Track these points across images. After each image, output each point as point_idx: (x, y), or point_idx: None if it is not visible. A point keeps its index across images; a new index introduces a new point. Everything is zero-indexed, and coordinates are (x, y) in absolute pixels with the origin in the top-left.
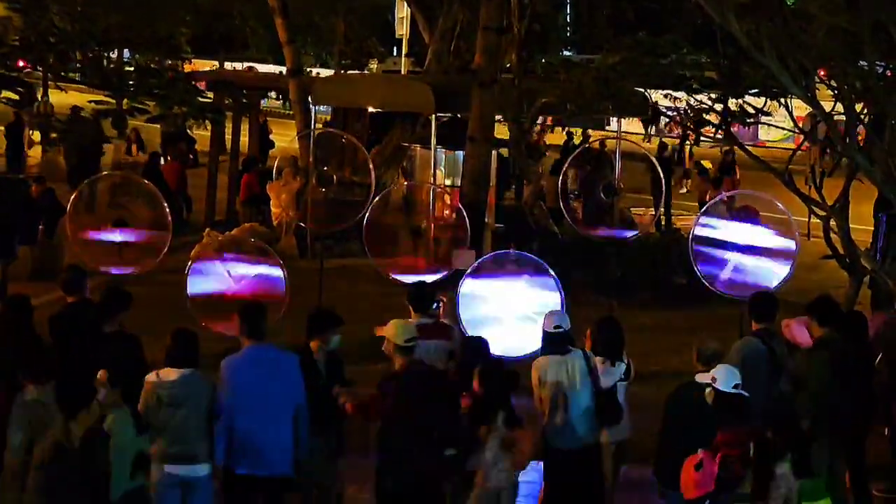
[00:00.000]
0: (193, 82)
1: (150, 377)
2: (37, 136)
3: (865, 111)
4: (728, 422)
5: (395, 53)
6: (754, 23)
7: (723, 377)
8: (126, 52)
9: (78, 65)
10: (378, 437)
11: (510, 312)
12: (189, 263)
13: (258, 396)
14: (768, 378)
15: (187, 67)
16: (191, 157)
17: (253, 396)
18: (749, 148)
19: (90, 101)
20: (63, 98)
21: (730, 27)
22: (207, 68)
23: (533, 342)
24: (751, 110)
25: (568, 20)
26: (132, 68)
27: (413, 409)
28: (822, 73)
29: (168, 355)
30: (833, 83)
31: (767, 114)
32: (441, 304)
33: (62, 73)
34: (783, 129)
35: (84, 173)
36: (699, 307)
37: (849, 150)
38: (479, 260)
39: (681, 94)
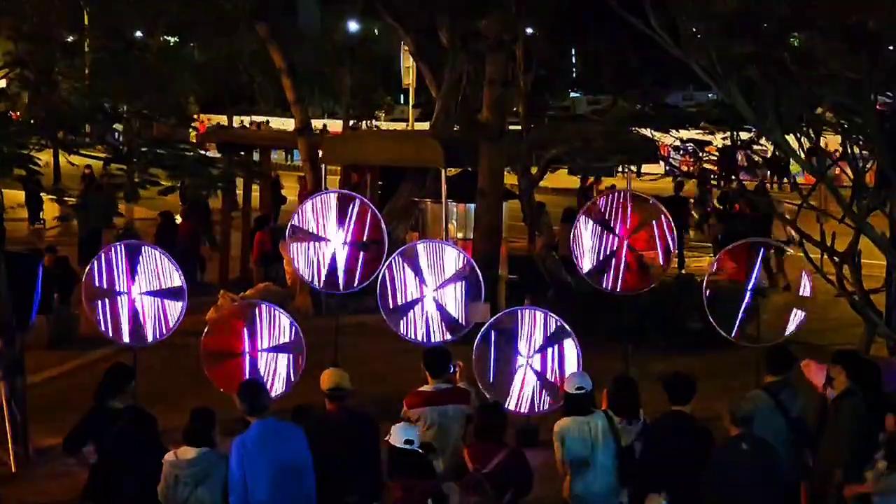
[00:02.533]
0: (201, 148)
1: (168, 456)
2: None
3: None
4: (400, 475)
5: (402, 102)
6: (760, 72)
7: (395, 433)
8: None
9: (87, 139)
10: None
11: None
12: (206, 328)
13: (267, 472)
14: (780, 431)
15: (195, 124)
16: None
17: (262, 472)
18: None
19: (102, 175)
20: (73, 171)
21: (735, 103)
22: (216, 123)
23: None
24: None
25: (573, 61)
26: (141, 139)
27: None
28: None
29: (185, 434)
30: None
31: (776, 163)
32: (457, 369)
33: (73, 148)
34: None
35: (95, 244)
36: (716, 352)
37: (857, 219)
38: (495, 318)
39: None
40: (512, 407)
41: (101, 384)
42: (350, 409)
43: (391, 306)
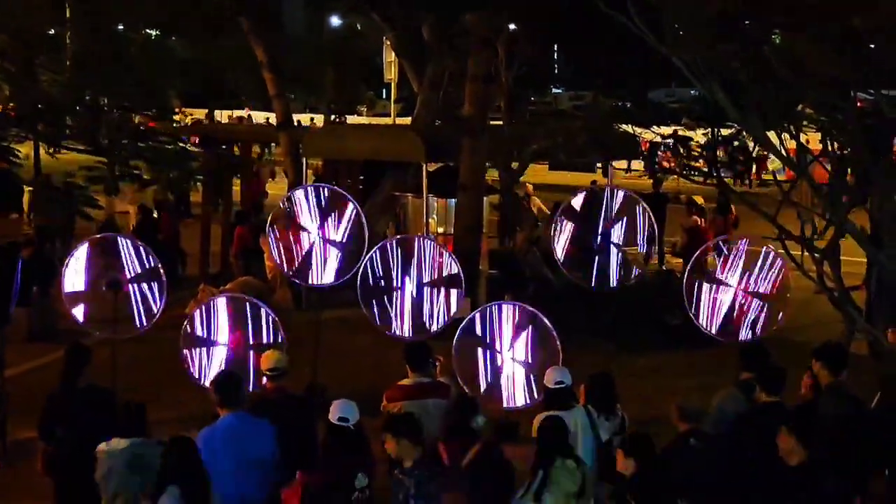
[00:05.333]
0: (181, 141)
1: (102, 447)
2: None
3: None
4: (330, 450)
5: (384, 97)
6: (742, 69)
7: (332, 409)
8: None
9: (68, 131)
10: None
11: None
12: (185, 322)
13: (232, 465)
14: None
15: (177, 117)
16: (182, 208)
17: (227, 465)
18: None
19: (81, 168)
20: (53, 163)
21: (718, 100)
22: (198, 117)
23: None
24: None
25: (556, 57)
26: (122, 132)
27: None
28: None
29: (118, 426)
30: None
31: (756, 160)
32: (437, 363)
33: (53, 141)
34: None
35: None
36: (696, 348)
37: (837, 215)
38: (475, 311)
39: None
40: (494, 401)
41: (65, 365)
42: (284, 388)
43: (370, 292)
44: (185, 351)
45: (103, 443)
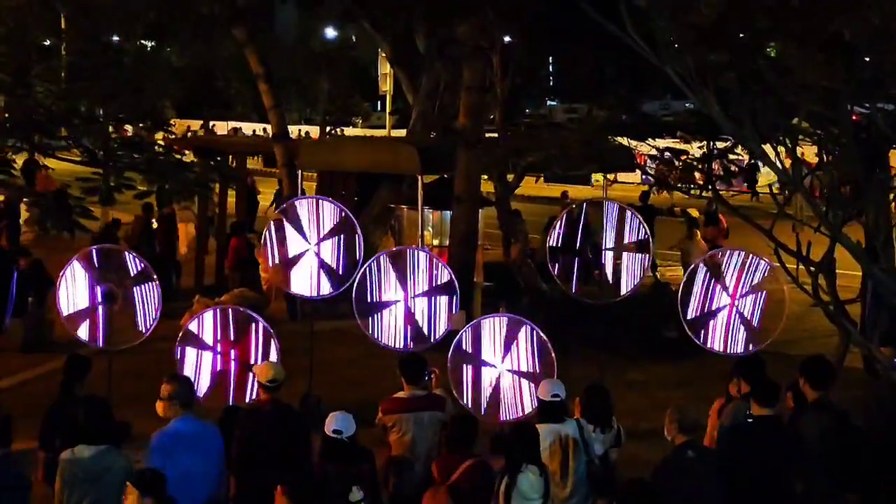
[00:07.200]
0: (176, 152)
1: (65, 455)
2: None
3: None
4: (326, 461)
5: (379, 108)
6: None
7: (328, 421)
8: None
9: (63, 141)
10: None
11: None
12: (180, 333)
13: (179, 469)
14: None
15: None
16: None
17: (175, 469)
18: (736, 192)
19: (77, 179)
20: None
21: (711, 112)
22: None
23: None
24: (735, 157)
25: (550, 70)
26: (117, 142)
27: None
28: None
29: (81, 432)
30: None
31: (750, 171)
32: (433, 376)
33: (48, 151)
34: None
35: None
36: (690, 361)
37: (832, 230)
38: (470, 324)
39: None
40: (488, 414)
41: (65, 375)
42: (279, 399)
43: (365, 304)
44: (179, 348)
45: (67, 450)
